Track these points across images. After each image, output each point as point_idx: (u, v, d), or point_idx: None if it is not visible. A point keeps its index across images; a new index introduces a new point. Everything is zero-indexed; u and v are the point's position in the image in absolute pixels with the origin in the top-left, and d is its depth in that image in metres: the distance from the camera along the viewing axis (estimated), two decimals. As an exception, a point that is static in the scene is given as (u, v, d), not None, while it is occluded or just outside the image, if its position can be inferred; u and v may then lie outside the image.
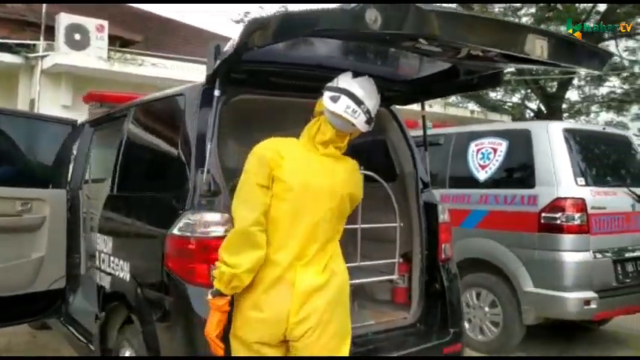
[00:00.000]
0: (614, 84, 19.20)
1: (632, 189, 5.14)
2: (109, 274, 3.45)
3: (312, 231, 2.31)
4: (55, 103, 9.08)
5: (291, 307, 2.23)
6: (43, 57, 9.05)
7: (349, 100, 2.31)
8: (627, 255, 4.98)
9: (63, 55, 8.89)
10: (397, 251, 3.51)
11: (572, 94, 20.47)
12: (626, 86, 18.56)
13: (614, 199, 4.97)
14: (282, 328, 2.25)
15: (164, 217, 2.91)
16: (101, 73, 9.05)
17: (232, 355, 2.34)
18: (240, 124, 3.50)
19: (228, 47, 2.52)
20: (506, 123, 12.13)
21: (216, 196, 2.78)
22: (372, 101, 2.38)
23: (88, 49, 9.15)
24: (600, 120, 22.89)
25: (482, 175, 5.35)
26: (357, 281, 3.44)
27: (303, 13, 2.15)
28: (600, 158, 5.34)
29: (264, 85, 3.14)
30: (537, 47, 2.16)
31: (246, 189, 2.32)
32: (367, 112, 2.34)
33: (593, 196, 4.78)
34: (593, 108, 23.45)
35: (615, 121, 20.56)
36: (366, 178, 3.23)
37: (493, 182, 5.26)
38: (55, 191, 4.23)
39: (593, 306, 4.63)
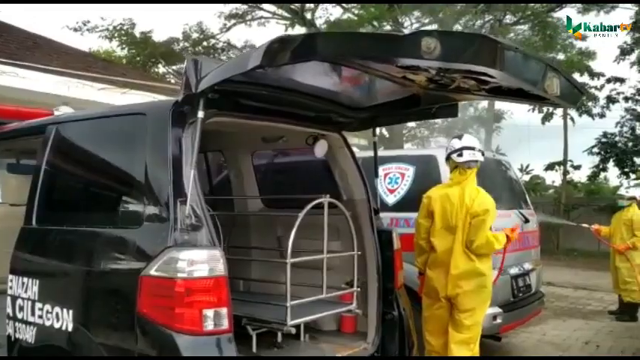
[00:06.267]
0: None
1: (520, 211, 5.67)
2: (32, 324, 2.89)
3: None
4: None
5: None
6: None
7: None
8: (519, 271, 5.46)
9: None
10: (355, 280, 3.43)
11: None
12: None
13: (508, 220, 5.40)
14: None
15: (133, 255, 2.54)
16: None
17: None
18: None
19: (236, 64, 2.28)
20: (411, 149, 12.63)
21: (199, 231, 2.49)
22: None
23: None
24: (432, 143, 25.27)
25: (391, 199, 5.49)
26: (318, 315, 3.30)
27: (347, 35, 2.02)
28: (494, 182, 5.79)
29: (233, 107, 2.89)
30: (554, 84, 2.28)
31: None
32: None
33: (496, 218, 5.15)
34: (426, 133, 25.80)
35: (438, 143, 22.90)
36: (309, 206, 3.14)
37: (402, 206, 5.42)
38: None
39: (499, 320, 4.97)
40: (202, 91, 2.46)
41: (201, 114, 2.50)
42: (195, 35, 22.23)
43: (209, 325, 2.38)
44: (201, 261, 2.42)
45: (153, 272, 2.40)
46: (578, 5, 19.85)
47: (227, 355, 2.40)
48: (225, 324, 2.43)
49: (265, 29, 22.02)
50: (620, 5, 17.05)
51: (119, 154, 2.85)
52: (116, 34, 21.74)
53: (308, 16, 20.16)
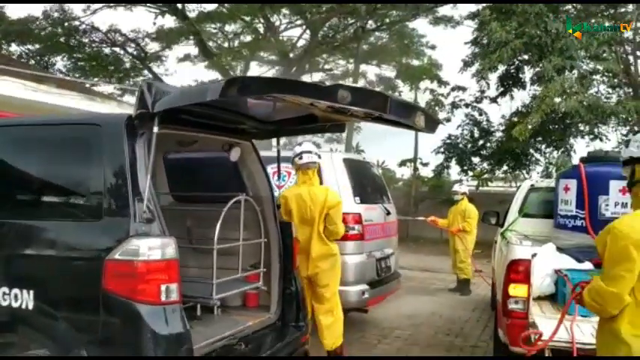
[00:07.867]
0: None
1: (384, 205, 6.80)
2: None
3: None
4: None
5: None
6: None
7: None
8: (382, 255, 6.57)
9: None
10: (262, 262, 4.20)
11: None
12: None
13: (375, 212, 6.51)
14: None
15: (97, 243, 3.09)
16: None
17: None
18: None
19: (195, 94, 2.95)
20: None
21: (152, 223, 3.11)
22: None
23: None
24: (299, 140, 26.52)
25: (280, 195, 6.32)
26: (237, 290, 4.02)
27: (286, 80, 2.78)
28: (363, 180, 6.84)
29: (175, 121, 3.51)
30: (421, 120, 3.24)
31: None
32: None
33: (365, 211, 6.20)
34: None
35: (312, 141, 24.26)
36: (218, 201, 3.87)
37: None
38: None
39: (366, 296, 6.04)
40: (155, 110, 3.07)
41: (156, 129, 3.11)
42: (56, 15, 21.14)
43: (164, 297, 3.03)
44: (156, 247, 3.04)
45: (117, 256, 2.98)
46: (430, 17, 22.16)
47: (178, 319, 3.07)
48: (176, 296, 3.08)
49: (132, 14, 21.61)
50: (465, 22, 19.36)
51: (74, 158, 3.35)
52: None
53: (179, 6, 20.20)
